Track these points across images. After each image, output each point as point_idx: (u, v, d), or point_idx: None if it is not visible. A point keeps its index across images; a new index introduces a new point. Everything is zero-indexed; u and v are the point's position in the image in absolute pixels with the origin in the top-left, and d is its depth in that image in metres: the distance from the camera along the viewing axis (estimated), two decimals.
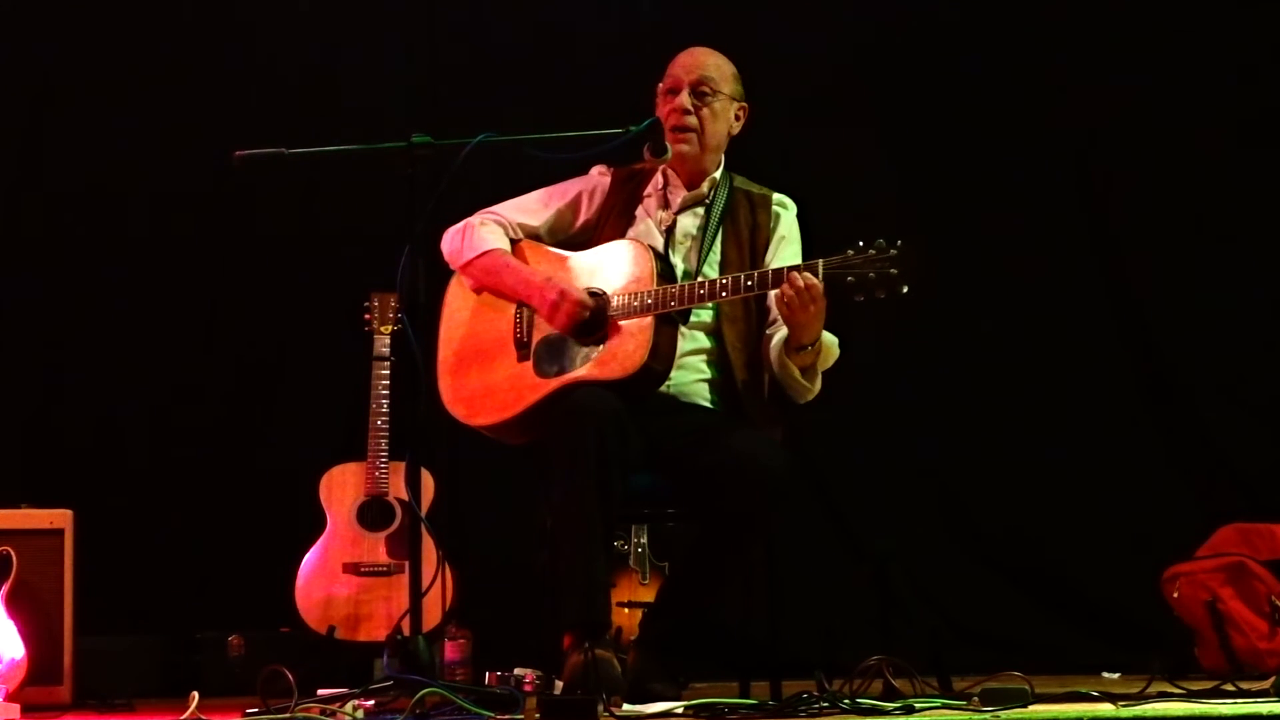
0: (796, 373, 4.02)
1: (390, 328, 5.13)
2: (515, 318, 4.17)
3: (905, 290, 3.78)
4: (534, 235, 4.29)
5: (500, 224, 4.27)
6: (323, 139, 4.14)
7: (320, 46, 5.92)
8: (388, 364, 5.12)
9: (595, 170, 4.33)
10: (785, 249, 4.19)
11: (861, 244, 3.81)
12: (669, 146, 4.13)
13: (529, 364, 4.10)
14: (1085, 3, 5.97)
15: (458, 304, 4.27)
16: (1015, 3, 5.97)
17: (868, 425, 5.79)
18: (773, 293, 3.93)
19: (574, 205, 4.30)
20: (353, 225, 5.67)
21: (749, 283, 3.91)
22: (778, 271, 3.88)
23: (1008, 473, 5.79)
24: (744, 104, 4.24)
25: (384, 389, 5.09)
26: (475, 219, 4.27)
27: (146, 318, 5.74)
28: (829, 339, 4.00)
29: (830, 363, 4.05)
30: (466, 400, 4.17)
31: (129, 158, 5.78)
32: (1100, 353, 5.92)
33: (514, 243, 4.26)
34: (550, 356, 4.08)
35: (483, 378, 4.16)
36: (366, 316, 5.17)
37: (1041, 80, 5.95)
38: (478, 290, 4.25)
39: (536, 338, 4.12)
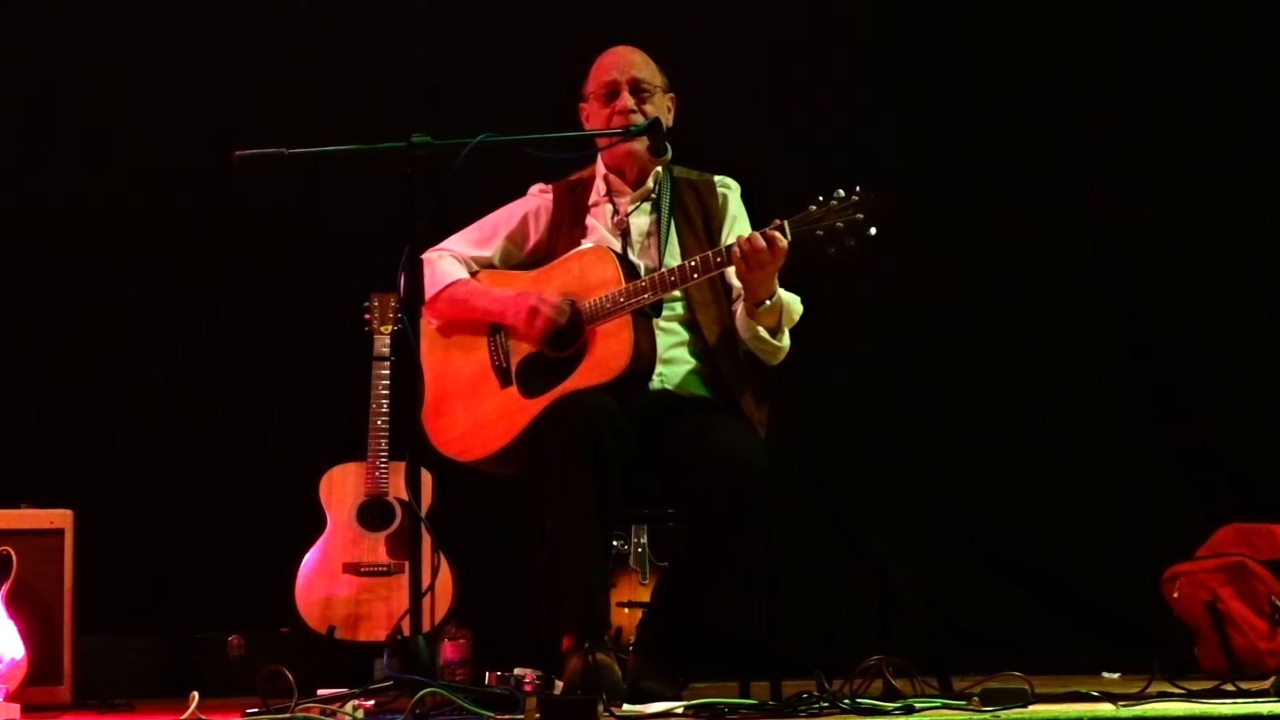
0: (764, 333, 4.03)
1: (390, 328, 5.13)
2: (490, 346, 4.16)
3: (873, 233, 3.78)
4: (488, 265, 4.28)
5: (456, 258, 4.27)
6: (323, 139, 4.13)
7: (320, 46, 5.92)
8: (388, 364, 5.12)
9: (534, 189, 4.32)
10: (739, 227, 4.20)
11: (821, 198, 3.83)
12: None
13: (514, 388, 4.09)
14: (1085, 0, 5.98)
15: (427, 348, 4.21)
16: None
17: (867, 425, 5.79)
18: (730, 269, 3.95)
19: (522, 229, 4.29)
20: (353, 225, 5.68)
21: (718, 259, 3.93)
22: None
23: (1007, 472, 5.78)
24: (673, 94, 4.27)
25: (384, 389, 5.09)
26: (431, 255, 4.25)
27: (146, 317, 5.74)
28: (789, 296, 4.02)
29: (795, 319, 4.06)
30: (458, 439, 4.15)
31: (129, 157, 5.78)
32: (1100, 353, 5.92)
33: (472, 274, 4.26)
34: (534, 375, 4.06)
35: (469, 413, 4.14)
36: (366, 316, 5.17)
37: (1040, 79, 5.94)
38: (445, 327, 4.23)
39: (515, 360, 4.10)
